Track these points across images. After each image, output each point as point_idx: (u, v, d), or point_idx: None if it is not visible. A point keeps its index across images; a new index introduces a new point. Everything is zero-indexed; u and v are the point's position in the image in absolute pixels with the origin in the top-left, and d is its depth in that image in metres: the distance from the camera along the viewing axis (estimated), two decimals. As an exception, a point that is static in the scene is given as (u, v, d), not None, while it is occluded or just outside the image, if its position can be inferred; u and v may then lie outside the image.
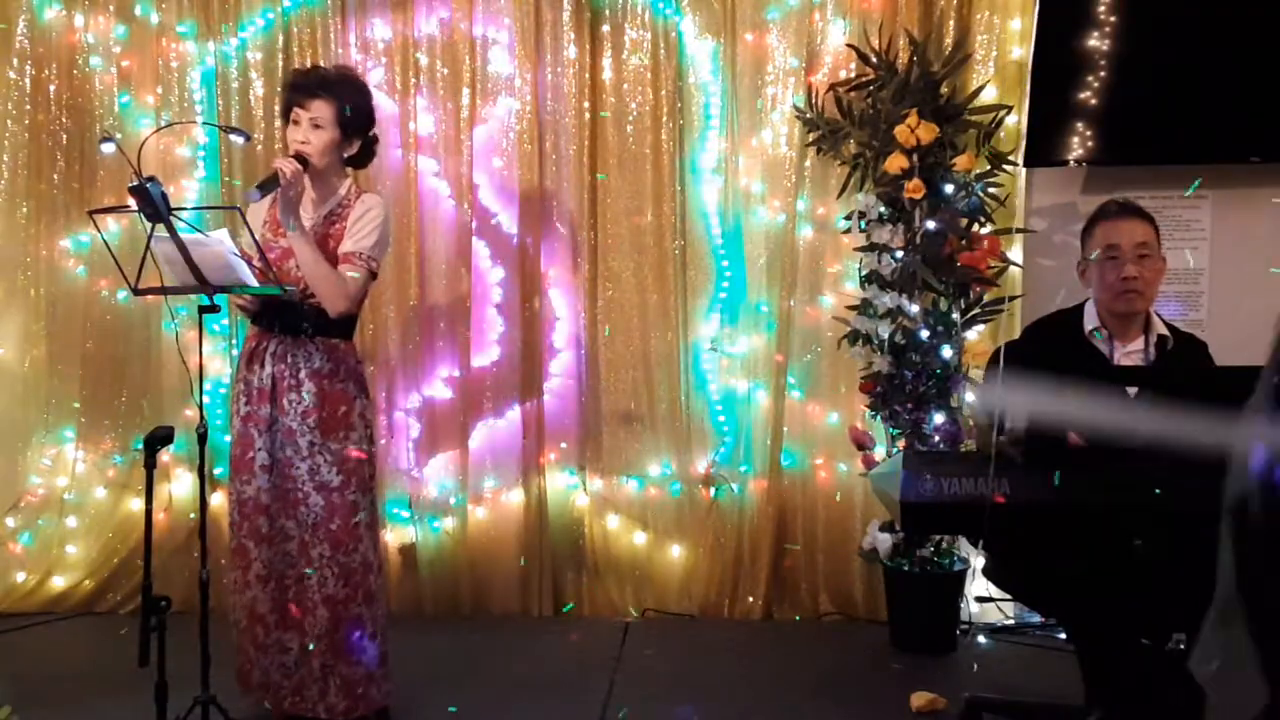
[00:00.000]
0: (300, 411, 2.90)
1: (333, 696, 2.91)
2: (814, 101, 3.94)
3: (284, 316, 2.92)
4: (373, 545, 3.00)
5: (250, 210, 3.05)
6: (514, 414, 4.16)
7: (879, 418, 3.84)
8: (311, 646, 2.89)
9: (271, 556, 2.92)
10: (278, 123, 4.07)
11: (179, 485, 4.18)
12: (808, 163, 4.02)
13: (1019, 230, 3.92)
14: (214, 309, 2.72)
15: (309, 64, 4.04)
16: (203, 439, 2.74)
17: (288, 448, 2.91)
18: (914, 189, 3.66)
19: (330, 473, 2.91)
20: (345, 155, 3.01)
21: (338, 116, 2.91)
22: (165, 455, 3.93)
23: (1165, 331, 2.87)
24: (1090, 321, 2.87)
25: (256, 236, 2.88)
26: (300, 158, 2.86)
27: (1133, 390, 2.58)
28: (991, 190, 3.78)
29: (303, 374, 2.91)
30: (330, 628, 2.90)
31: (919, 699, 3.21)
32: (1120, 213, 2.86)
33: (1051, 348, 2.84)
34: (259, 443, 2.91)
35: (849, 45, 3.92)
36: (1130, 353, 2.85)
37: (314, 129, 2.90)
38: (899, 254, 3.74)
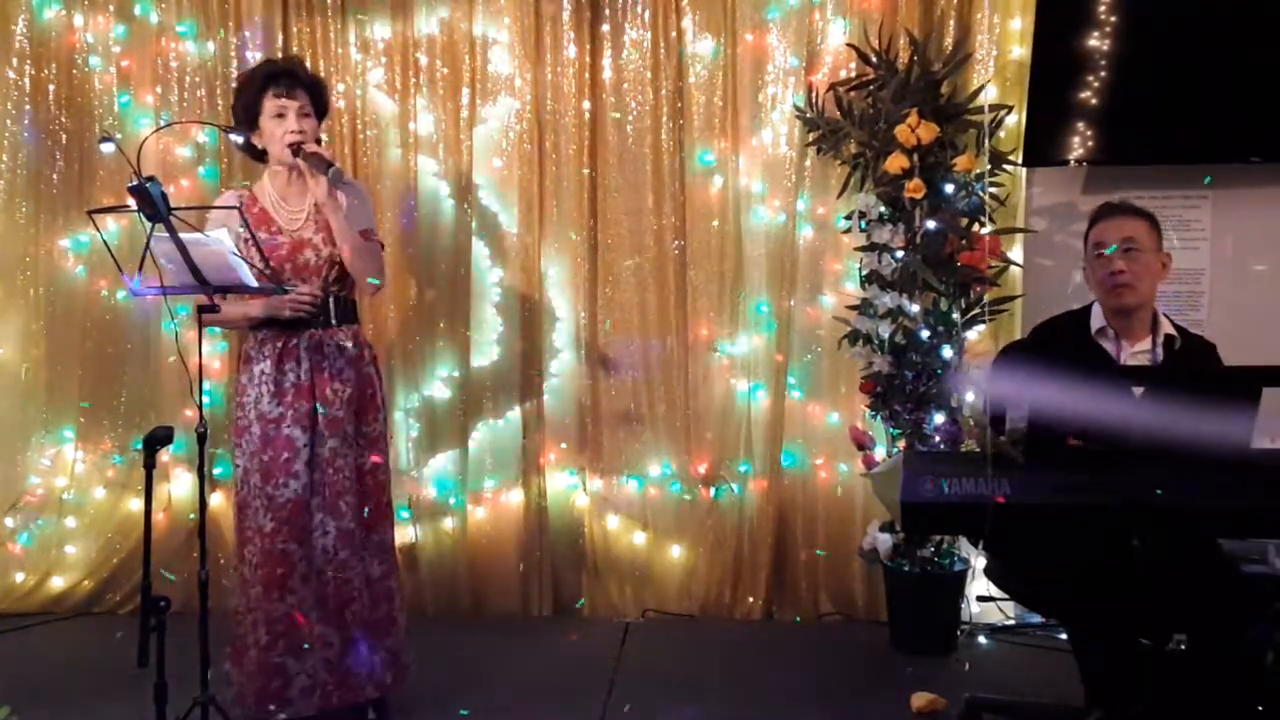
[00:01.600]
0: (345, 399, 2.94)
1: (380, 672, 2.97)
2: (814, 101, 3.94)
3: (318, 310, 2.96)
4: (391, 522, 3.09)
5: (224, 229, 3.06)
6: (514, 414, 4.16)
7: (879, 418, 3.84)
8: (356, 635, 2.93)
9: (312, 553, 2.91)
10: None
11: (178, 485, 4.18)
12: (808, 163, 4.02)
13: (1019, 230, 3.92)
14: (214, 309, 2.72)
15: (309, 64, 4.05)
16: (202, 439, 2.72)
17: (332, 439, 2.91)
18: (914, 189, 3.66)
19: (367, 456, 2.97)
20: None
21: (315, 107, 3.00)
22: (164, 455, 3.94)
23: (1173, 331, 2.86)
24: (1097, 322, 2.87)
25: (245, 237, 2.89)
26: (295, 149, 2.91)
27: (1139, 390, 2.58)
28: (992, 190, 3.78)
29: (340, 362, 2.96)
30: (373, 607, 2.96)
31: (919, 699, 3.21)
32: (1111, 212, 2.90)
33: (1058, 347, 2.83)
34: (302, 440, 2.90)
35: (849, 45, 3.92)
36: (1137, 353, 2.84)
37: (304, 118, 2.95)
38: (899, 254, 3.74)
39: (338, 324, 2.98)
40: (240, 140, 3.01)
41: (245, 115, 2.98)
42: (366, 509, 2.97)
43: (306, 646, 2.89)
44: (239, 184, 4.06)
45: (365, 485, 2.98)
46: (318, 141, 3.03)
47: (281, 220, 2.98)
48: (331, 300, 2.97)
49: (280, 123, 2.93)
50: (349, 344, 2.98)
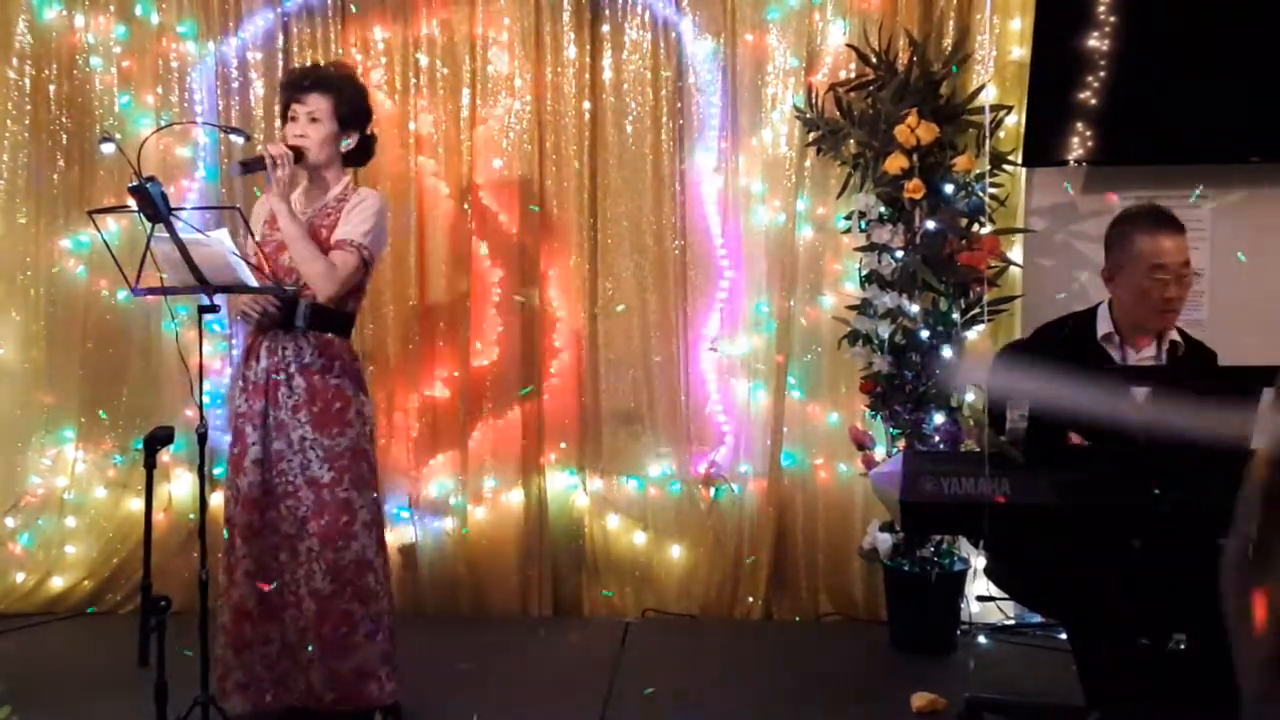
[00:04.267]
0: (291, 405, 2.91)
1: (319, 687, 2.91)
2: (814, 102, 3.94)
3: (280, 311, 2.93)
4: (372, 543, 2.97)
5: (255, 209, 3.09)
6: (514, 414, 4.16)
7: (879, 418, 3.84)
8: (292, 640, 2.90)
9: (260, 551, 2.90)
10: (278, 123, 4.06)
11: (179, 485, 4.18)
12: (808, 163, 4.02)
13: (1019, 230, 3.92)
14: (214, 309, 2.72)
15: (309, 64, 4.06)
16: (203, 439, 2.73)
17: (278, 441, 2.91)
18: (914, 189, 3.66)
19: (321, 468, 2.90)
20: (343, 151, 3.03)
21: (334, 110, 2.96)
22: (165, 455, 3.93)
23: (1177, 338, 2.86)
24: (1104, 327, 2.85)
25: (256, 235, 2.93)
26: (297, 151, 2.89)
27: (1143, 392, 2.58)
28: (991, 190, 3.79)
29: (293, 368, 2.92)
30: (317, 621, 2.89)
31: (919, 699, 3.21)
32: (1163, 225, 2.77)
33: (1061, 349, 2.83)
34: (252, 437, 2.91)
35: (849, 45, 3.92)
36: (1143, 359, 2.84)
37: (311, 123, 2.94)
38: (899, 254, 3.74)
39: (304, 329, 2.92)
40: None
41: (281, 119, 3.03)
42: (320, 521, 2.88)
43: (247, 631, 2.90)
44: (239, 184, 4.09)
45: (321, 498, 2.89)
46: (363, 148, 3.06)
47: None
48: (302, 305, 2.91)
49: (290, 125, 2.95)
50: (307, 353, 2.92)
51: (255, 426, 2.92)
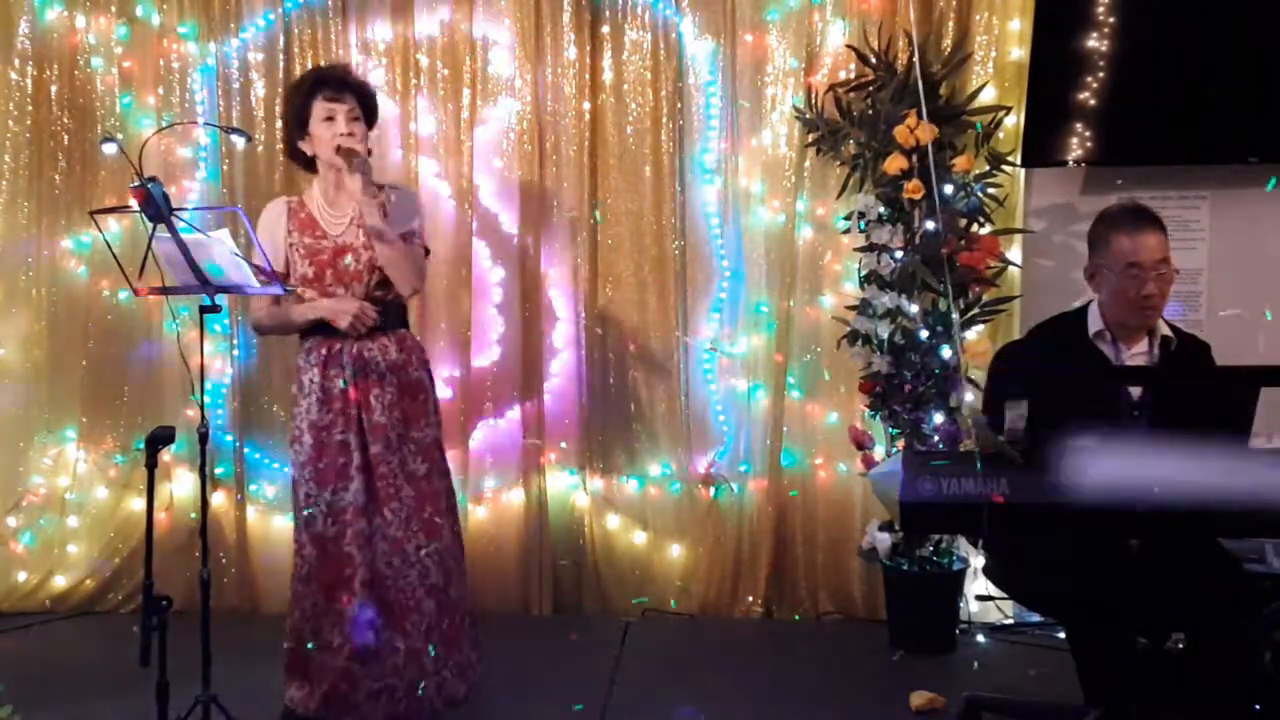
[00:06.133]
0: (386, 405, 2.93)
1: (451, 686, 2.94)
2: (813, 102, 3.95)
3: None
4: (451, 529, 3.04)
5: (269, 212, 3.08)
6: (514, 414, 4.17)
7: (878, 418, 3.85)
8: (418, 646, 2.90)
9: (373, 559, 2.91)
10: (278, 124, 4.08)
11: (180, 485, 4.19)
12: (807, 163, 4.03)
13: (1018, 231, 3.93)
14: (215, 309, 2.73)
15: (310, 65, 4.07)
16: (204, 439, 2.74)
17: (377, 444, 2.92)
18: (913, 189, 3.67)
19: (416, 462, 2.96)
20: None
21: (364, 110, 2.99)
22: (166, 455, 3.94)
23: (1169, 333, 2.86)
24: (1095, 325, 2.86)
25: (294, 241, 2.95)
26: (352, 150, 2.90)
27: (1138, 391, 2.58)
28: (991, 191, 3.79)
29: (384, 368, 2.95)
30: (437, 619, 2.93)
31: (918, 698, 3.22)
32: (1138, 224, 2.77)
33: (1055, 349, 2.83)
34: (354, 443, 2.91)
35: (848, 46, 3.93)
36: (1135, 355, 2.84)
37: (353, 121, 2.94)
38: (898, 254, 3.75)
39: (382, 330, 2.96)
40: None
41: (296, 121, 2.98)
42: (423, 516, 2.93)
43: (371, 647, 2.88)
44: (240, 184, 4.10)
45: (420, 491, 2.95)
46: (367, 150, 3.03)
47: (326, 225, 2.97)
48: (376, 304, 2.94)
49: (330, 125, 2.92)
50: (393, 350, 2.97)
51: (353, 434, 2.92)
